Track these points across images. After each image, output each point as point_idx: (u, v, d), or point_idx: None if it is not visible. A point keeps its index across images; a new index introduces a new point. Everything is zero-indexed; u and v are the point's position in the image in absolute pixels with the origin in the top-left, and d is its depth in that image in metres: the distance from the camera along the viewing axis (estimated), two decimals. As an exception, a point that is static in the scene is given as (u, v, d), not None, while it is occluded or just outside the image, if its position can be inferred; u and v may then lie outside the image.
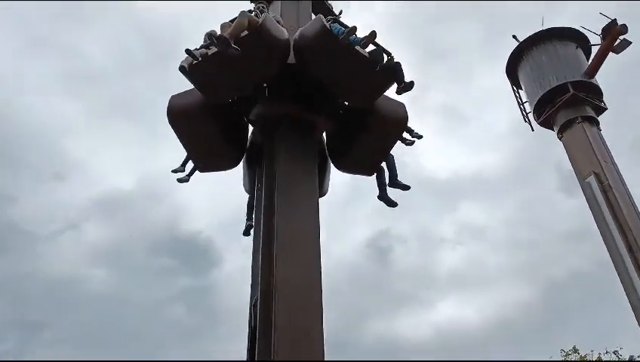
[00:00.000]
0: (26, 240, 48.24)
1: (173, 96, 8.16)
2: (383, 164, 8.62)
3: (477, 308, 51.38)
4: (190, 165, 8.90)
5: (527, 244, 49.47)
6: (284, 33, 7.73)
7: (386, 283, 48.44)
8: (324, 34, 7.33)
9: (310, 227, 6.78)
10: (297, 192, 7.05)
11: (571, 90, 20.79)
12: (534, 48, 22.79)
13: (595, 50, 21.69)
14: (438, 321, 51.43)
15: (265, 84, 7.94)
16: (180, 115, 8.03)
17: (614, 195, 18.40)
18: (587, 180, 19.29)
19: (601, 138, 20.40)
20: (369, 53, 7.34)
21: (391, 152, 8.56)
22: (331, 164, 8.60)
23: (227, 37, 6.78)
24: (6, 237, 48.43)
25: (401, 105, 8.19)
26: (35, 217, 50.17)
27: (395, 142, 8.36)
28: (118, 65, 49.50)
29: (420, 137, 8.65)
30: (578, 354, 27.78)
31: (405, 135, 8.51)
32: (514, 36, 23.52)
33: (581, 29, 22.31)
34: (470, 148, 54.60)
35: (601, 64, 21.20)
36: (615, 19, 20.74)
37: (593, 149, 19.53)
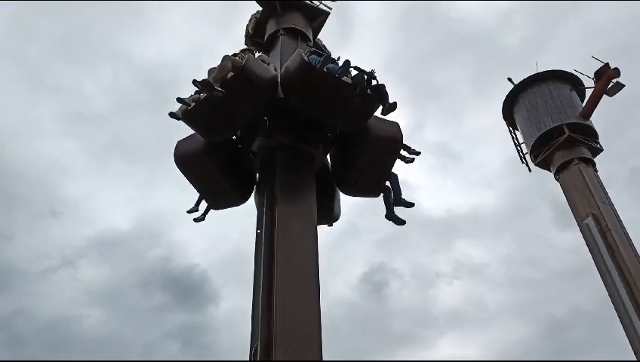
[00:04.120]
0: (21, 279, 47.76)
1: (179, 142, 8.57)
2: (388, 184, 8.79)
3: (478, 347, 50.54)
4: (204, 204, 9.13)
5: (525, 282, 49.04)
6: (268, 71, 8.16)
7: (382, 320, 47.70)
8: (303, 65, 7.70)
9: (309, 266, 6.86)
10: (296, 227, 7.17)
11: (567, 131, 21.07)
12: (529, 90, 23.19)
13: (589, 92, 22.09)
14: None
15: (265, 117, 8.19)
16: (186, 159, 8.42)
17: (612, 237, 18.43)
18: (585, 222, 19.35)
19: (598, 179, 20.56)
20: (352, 78, 7.62)
21: (394, 172, 8.74)
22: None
23: (210, 80, 7.21)
24: (0, 275, 47.97)
25: (395, 125, 8.39)
26: (30, 255, 49.82)
27: (393, 161, 8.54)
28: (115, 106, 49.96)
29: (417, 153, 8.80)
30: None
31: (403, 153, 8.69)
32: (509, 79, 23.97)
33: (574, 72, 22.75)
34: (465, 186, 54.70)
35: (596, 106, 21.58)
36: (607, 63, 21.23)
37: (590, 191, 19.67)
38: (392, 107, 7.80)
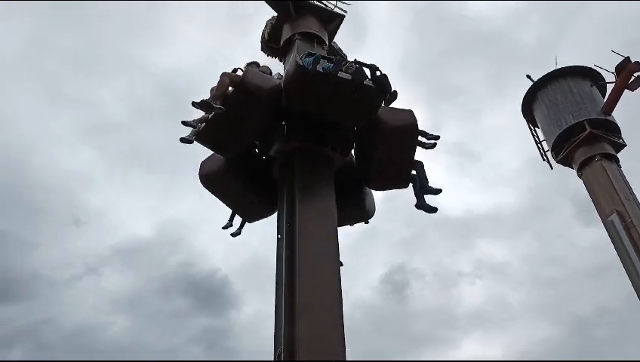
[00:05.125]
0: (47, 287, 48.55)
1: (202, 162, 8.77)
2: (415, 173, 8.75)
3: (502, 347, 49.96)
4: (238, 218, 9.21)
5: (548, 280, 48.40)
6: (268, 80, 8.22)
7: (404, 321, 47.41)
8: (297, 69, 7.76)
9: (330, 270, 6.86)
10: (316, 230, 7.20)
11: (588, 128, 20.75)
12: (549, 87, 22.89)
13: (609, 87, 21.74)
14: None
15: (283, 122, 8.29)
16: (209, 179, 8.62)
17: (638, 233, 18.09)
18: (610, 218, 19.03)
19: (622, 175, 20.19)
20: (352, 73, 7.63)
21: (419, 160, 8.69)
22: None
23: (208, 100, 7.38)
24: (27, 284, 48.77)
25: (408, 112, 8.38)
26: (55, 264, 50.60)
27: (413, 149, 8.52)
28: (133, 115, 50.59)
29: (437, 138, 8.69)
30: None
31: (422, 139, 8.64)
32: (528, 76, 23.69)
33: (594, 67, 22.41)
34: (483, 186, 54.19)
35: (617, 101, 21.19)
36: (628, 57, 20.85)
37: (614, 187, 19.34)
38: (393, 96, 7.85)
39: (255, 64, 8.86)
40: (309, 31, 10.36)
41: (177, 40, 50.79)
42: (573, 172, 21.72)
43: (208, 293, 46.81)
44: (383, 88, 7.75)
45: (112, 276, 49.63)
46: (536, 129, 23.99)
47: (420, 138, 8.62)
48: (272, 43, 11.20)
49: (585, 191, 20.91)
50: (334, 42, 11.36)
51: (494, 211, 52.56)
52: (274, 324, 7.14)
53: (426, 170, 8.74)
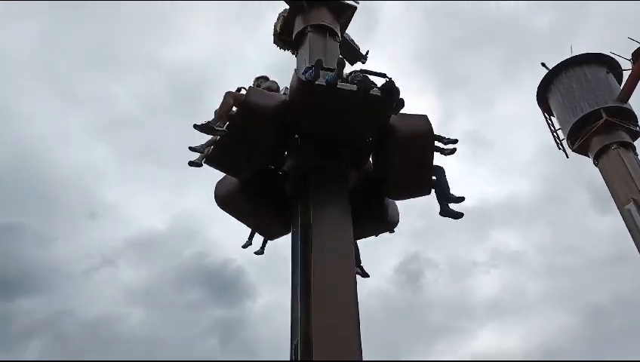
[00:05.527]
0: (65, 279, 49.35)
1: (217, 183, 8.58)
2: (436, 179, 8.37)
3: (518, 336, 49.80)
4: (258, 236, 9.12)
5: (564, 269, 48.07)
6: (273, 98, 7.98)
7: (419, 310, 47.41)
8: (298, 84, 7.53)
9: (346, 277, 6.75)
10: (332, 240, 7.04)
11: (604, 116, 20.50)
12: (564, 75, 22.61)
13: (626, 74, 21.46)
14: (479, 351, 50.03)
15: (296, 135, 8.06)
16: (224, 200, 8.48)
17: (655, 222, 17.94)
18: (626, 207, 18.86)
19: (639, 163, 19.98)
20: (357, 83, 7.41)
21: (439, 166, 8.35)
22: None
23: (210, 122, 7.23)
24: (46, 276, 49.57)
25: (421, 118, 8.11)
26: (72, 257, 51.36)
27: (430, 155, 8.15)
28: (145, 111, 50.97)
29: (455, 142, 8.31)
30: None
31: (439, 144, 8.29)
32: (543, 64, 23.41)
33: (610, 54, 22.11)
34: (497, 174, 53.82)
35: (634, 88, 20.89)
36: (645, 43, 20.56)
37: (631, 175, 19.13)
38: (400, 104, 7.55)
39: (264, 78, 8.78)
40: (322, 23, 10.30)
41: (189, 34, 50.91)
42: (588, 160, 21.53)
43: (223, 284, 47.22)
44: (391, 97, 7.46)
45: (127, 268, 50.33)
46: (552, 117, 23.77)
47: (437, 143, 8.29)
48: (284, 36, 11.19)
49: (601, 179, 20.72)
50: (347, 34, 11.33)
51: (509, 200, 52.22)
52: (290, 314, 7.23)
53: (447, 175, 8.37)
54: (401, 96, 7.54)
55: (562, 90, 22.50)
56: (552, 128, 23.53)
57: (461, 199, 8.14)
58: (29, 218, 49.07)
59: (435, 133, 8.17)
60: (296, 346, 6.55)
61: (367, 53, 12.00)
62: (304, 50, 10.02)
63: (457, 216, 8.14)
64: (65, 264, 48.82)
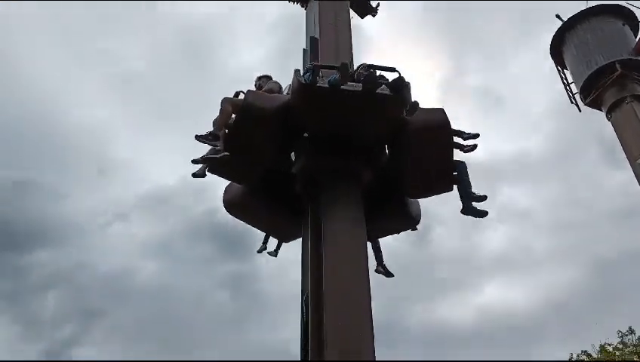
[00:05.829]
0: (80, 233, 50.38)
1: (225, 188, 8.32)
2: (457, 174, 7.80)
3: (525, 291, 50.49)
4: (272, 240, 8.98)
5: (573, 224, 48.22)
6: (273, 100, 7.64)
7: (428, 266, 47.95)
8: (299, 88, 7.21)
9: (359, 278, 6.63)
10: (344, 241, 6.86)
11: (619, 69, 20.11)
12: (579, 27, 22.10)
13: (643, 26, 20.97)
14: (485, 304, 50.85)
15: (306, 134, 7.74)
16: (233, 205, 8.28)
17: (667, 177, 17.84)
18: (638, 161, 18.74)
19: (653, 117, 19.72)
20: (363, 80, 7.02)
21: (461, 160, 7.80)
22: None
23: (211, 133, 7.01)
24: (62, 230, 50.60)
25: (437, 112, 7.66)
26: (86, 211, 52.24)
27: (449, 149, 7.69)
28: (157, 69, 50.65)
29: (475, 136, 7.79)
30: (635, 335, 27.08)
31: (458, 140, 7.83)
32: (557, 15, 22.86)
33: (627, 5, 21.53)
34: (509, 130, 53.44)
35: (650, 40, 20.47)
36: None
37: (644, 129, 18.93)
38: (414, 107, 7.19)
39: (266, 77, 8.53)
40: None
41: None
42: (600, 114, 21.29)
43: (234, 238, 47.90)
44: (400, 93, 7.03)
45: (140, 223, 51.13)
46: (565, 70, 23.36)
47: (455, 139, 7.78)
48: (292, -12, 11.03)
49: (612, 133, 20.53)
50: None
51: (519, 155, 52.06)
52: (301, 269, 7.36)
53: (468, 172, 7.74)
54: (414, 100, 7.21)
55: (577, 43, 22.03)
56: (565, 81, 23.17)
57: (483, 198, 7.54)
58: (42, 175, 49.76)
59: (453, 127, 7.68)
60: (306, 298, 6.68)
61: (377, 5, 11.81)
62: (313, 3, 9.87)
63: (482, 214, 7.56)
64: (80, 218, 49.76)
